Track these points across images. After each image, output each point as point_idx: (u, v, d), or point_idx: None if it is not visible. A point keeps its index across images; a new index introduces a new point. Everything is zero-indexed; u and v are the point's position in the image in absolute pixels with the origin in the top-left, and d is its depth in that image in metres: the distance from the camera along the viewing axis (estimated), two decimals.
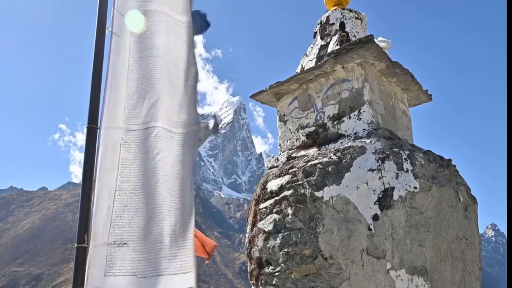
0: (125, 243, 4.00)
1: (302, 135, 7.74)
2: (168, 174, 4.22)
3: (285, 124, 8.22)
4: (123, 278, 3.93)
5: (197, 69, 4.66)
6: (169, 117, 4.41)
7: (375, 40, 7.10)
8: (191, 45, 4.74)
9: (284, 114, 8.30)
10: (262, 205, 6.99)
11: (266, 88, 8.34)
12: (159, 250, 4.03)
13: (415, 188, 6.20)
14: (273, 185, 6.96)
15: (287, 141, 8.05)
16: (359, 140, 6.67)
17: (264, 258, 6.69)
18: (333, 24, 8.35)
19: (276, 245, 6.49)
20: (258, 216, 7.00)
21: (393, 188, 6.10)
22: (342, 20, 8.29)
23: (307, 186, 6.43)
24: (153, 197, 4.13)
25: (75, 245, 4.01)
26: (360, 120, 6.99)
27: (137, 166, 4.22)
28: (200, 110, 4.51)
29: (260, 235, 6.79)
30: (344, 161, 6.41)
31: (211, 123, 4.52)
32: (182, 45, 4.72)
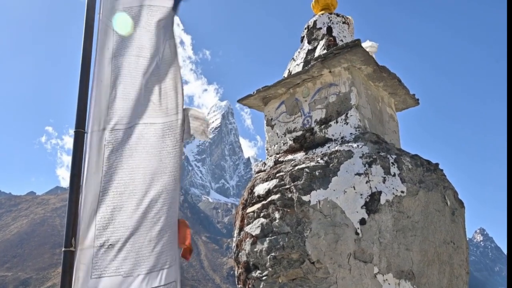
0: (111, 245, 3.99)
1: (290, 140, 7.74)
2: (155, 170, 4.20)
3: (272, 129, 8.22)
4: (109, 279, 3.92)
5: (175, 49, 4.65)
6: (152, 111, 4.40)
7: (362, 44, 7.12)
8: (167, 30, 4.73)
9: (272, 119, 8.30)
10: (249, 209, 6.98)
11: (254, 92, 8.33)
12: (145, 247, 4.02)
13: (402, 192, 6.21)
14: (260, 189, 6.95)
15: (275, 145, 8.05)
16: (346, 144, 6.68)
17: (251, 262, 6.68)
18: (320, 28, 8.37)
19: (263, 249, 6.48)
20: (245, 220, 6.99)
21: (380, 192, 6.11)
22: (329, 24, 8.31)
23: (294, 190, 6.43)
24: (137, 195, 4.12)
25: (63, 249, 3.99)
26: (347, 124, 7.00)
27: (120, 164, 4.21)
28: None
29: (248, 239, 6.78)
30: (331, 165, 6.41)
31: (200, 116, 4.52)
32: (161, 35, 4.72)
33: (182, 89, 4.53)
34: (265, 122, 8.45)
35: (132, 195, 4.13)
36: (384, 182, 6.21)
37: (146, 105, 4.42)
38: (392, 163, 6.39)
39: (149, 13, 4.77)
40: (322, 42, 8.09)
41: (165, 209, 4.13)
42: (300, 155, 7.21)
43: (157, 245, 4.04)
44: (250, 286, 6.64)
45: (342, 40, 7.96)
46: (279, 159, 7.54)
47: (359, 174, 6.24)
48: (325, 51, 7.67)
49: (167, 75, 4.55)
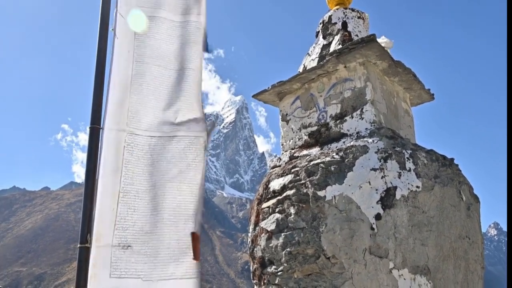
0: (129, 246, 4.01)
1: (305, 135, 7.74)
2: (175, 179, 4.22)
3: (287, 124, 8.22)
4: (128, 280, 3.94)
5: (201, 70, 4.66)
6: (174, 122, 4.41)
7: (377, 39, 7.09)
8: (195, 46, 4.75)
9: (287, 114, 8.30)
10: (264, 205, 6.99)
11: (269, 87, 8.33)
12: (165, 254, 4.05)
13: (417, 187, 6.20)
14: (275, 184, 6.96)
15: (290, 141, 8.05)
16: (362, 139, 6.67)
17: (266, 258, 6.69)
18: (335, 23, 8.35)
19: (279, 244, 6.49)
20: (260, 216, 7.00)
21: (395, 188, 6.10)
22: (344, 19, 8.29)
23: (309, 186, 6.43)
24: (158, 201, 4.15)
25: (78, 245, 4.01)
26: (362, 119, 6.99)
27: (140, 169, 4.23)
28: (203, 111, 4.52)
29: (263, 234, 6.79)
30: (346, 160, 6.41)
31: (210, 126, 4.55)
32: (185, 47, 4.73)
33: (203, 104, 4.55)
34: (280, 117, 8.45)
35: (152, 200, 4.16)
36: (399, 177, 6.20)
37: (168, 116, 4.43)
38: (407, 158, 6.38)
39: (180, 28, 4.80)
40: (337, 37, 8.08)
41: (182, 221, 4.15)
42: (315, 150, 7.20)
43: (175, 254, 4.08)
44: (265, 281, 6.65)
45: (357, 35, 7.94)
46: (294, 154, 7.54)
47: (374, 169, 6.23)
48: (340, 46, 7.66)
49: (191, 90, 4.56)
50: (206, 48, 4.83)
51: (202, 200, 4.27)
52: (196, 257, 4.13)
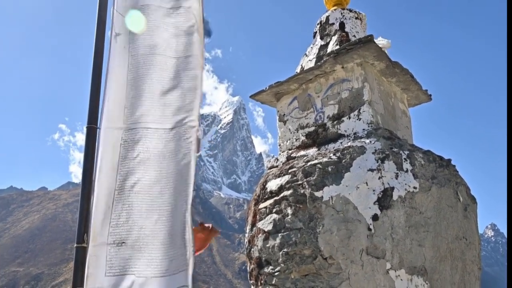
0: (123, 242, 3.98)
1: (302, 135, 7.73)
2: (169, 173, 4.20)
3: (284, 124, 8.22)
4: (123, 277, 3.92)
5: (201, 60, 4.63)
6: (168, 115, 4.39)
7: (375, 40, 7.09)
8: (196, 33, 4.72)
9: (284, 114, 8.29)
10: (261, 205, 6.99)
11: (266, 88, 8.33)
12: (158, 250, 4.02)
13: (414, 188, 6.20)
14: (272, 185, 6.95)
15: (287, 141, 8.04)
16: (359, 140, 6.67)
17: (263, 258, 6.69)
18: (333, 24, 8.35)
19: (276, 245, 6.49)
20: (257, 216, 6.99)
21: (392, 188, 6.10)
22: (341, 20, 8.29)
23: (306, 186, 6.43)
24: (152, 196, 4.12)
25: (75, 245, 3.99)
26: (359, 120, 6.99)
27: (135, 163, 4.19)
28: (200, 110, 4.49)
29: (260, 235, 6.79)
30: (343, 161, 6.41)
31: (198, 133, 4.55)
32: (183, 36, 4.70)
33: (201, 99, 4.53)
34: (277, 117, 8.45)
35: (147, 196, 4.12)
36: (396, 178, 6.20)
37: (166, 110, 4.40)
38: (404, 159, 6.38)
39: (173, 14, 4.76)
40: (334, 38, 8.08)
41: (176, 214, 4.13)
42: (312, 151, 7.20)
43: (169, 250, 4.04)
44: (262, 281, 6.65)
45: (354, 36, 7.94)
46: (292, 155, 7.54)
47: (371, 170, 6.23)
48: (337, 47, 7.66)
49: (189, 83, 4.53)
50: (208, 34, 4.80)
51: (191, 194, 4.25)
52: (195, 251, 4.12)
